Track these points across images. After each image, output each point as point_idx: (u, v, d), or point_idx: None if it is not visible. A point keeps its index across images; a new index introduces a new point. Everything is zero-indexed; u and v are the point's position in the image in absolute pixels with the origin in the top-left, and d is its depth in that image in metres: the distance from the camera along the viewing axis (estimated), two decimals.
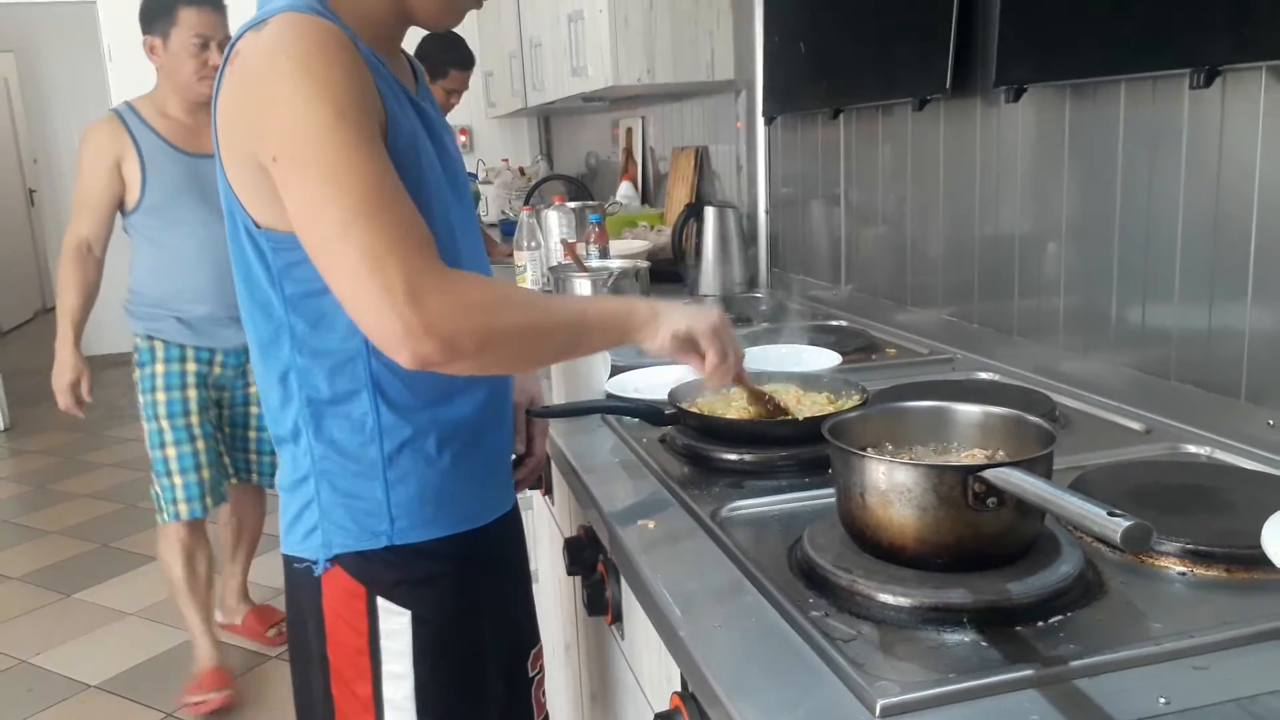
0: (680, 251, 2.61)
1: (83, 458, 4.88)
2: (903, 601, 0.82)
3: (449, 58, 3.37)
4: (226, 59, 0.95)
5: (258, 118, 0.91)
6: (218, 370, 2.57)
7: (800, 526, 0.98)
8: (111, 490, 4.37)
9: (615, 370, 1.63)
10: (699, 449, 1.25)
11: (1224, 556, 0.87)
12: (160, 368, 2.50)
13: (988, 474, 0.79)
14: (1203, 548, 0.88)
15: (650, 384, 1.61)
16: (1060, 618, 0.80)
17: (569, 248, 2.56)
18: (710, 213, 2.53)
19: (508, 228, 3.60)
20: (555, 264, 2.43)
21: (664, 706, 0.95)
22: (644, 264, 2.25)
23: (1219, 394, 1.21)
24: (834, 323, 2.04)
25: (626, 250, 2.77)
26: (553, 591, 1.80)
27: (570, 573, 1.32)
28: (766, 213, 2.56)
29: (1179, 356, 1.27)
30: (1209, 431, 1.21)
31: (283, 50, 0.89)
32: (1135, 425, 1.29)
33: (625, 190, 3.77)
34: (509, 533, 1.21)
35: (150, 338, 2.50)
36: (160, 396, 2.49)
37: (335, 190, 0.87)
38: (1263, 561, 0.70)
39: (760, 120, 2.49)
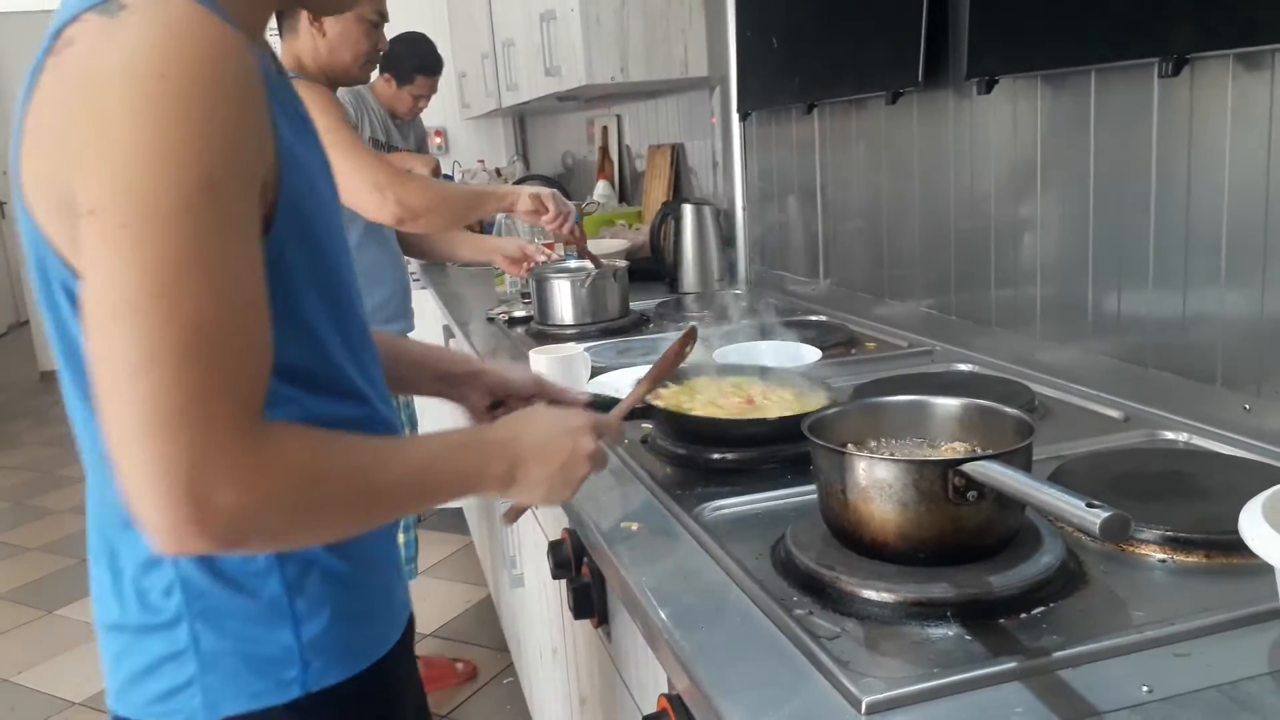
0: (659, 249, 2.60)
1: (60, 472, 4.83)
2: (886, 597, 0.82)
3: (415, 63, 3.36)
4: (49, 47, 0.67)
5: (87, 147, 0.63)
6: None
7: (783, 524, 0.98)
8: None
9: (596, 371, 1.62)
10: (679, 450, 1.25)
11: (1203, 543, 0.88)
12: None
13: (967, 468, 0.79)
14: (1182, 535, 0.89)
15: (629, 384, 1.61)
16: (1042, 609, 0.80)
17: (550, 247, 2.56)
18: (688, 210, 2.52)
19: (485, 230, 3.58)
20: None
21: (652, 709, 0.95)
22: (622, 263, 2.25)
23: (1195, 380, 1.22)
24: (813, 318, 2.04)
25: (604, 250, 2.76)
26: (539, 595, 1.79)
27: (555, 576, 1.31)
28: (744, 209, 2.56)
29: (1155, 344, 1.28)
30: (1186, 418, 1.22)
31: (151, 64, 0.62)
32: (1113, 413, 1.29)
33: (602, 189, 3.77)
34: (408, 648, 0.97)
35: None
36: None
37: (155, 307, 0.62)
38: (1241, 546, 0.70)
39: (735, 116, 2.49)
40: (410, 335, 2.18)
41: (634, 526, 1.06)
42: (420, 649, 2.76)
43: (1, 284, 7.76)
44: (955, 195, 1.65)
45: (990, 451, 0.85)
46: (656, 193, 3.12)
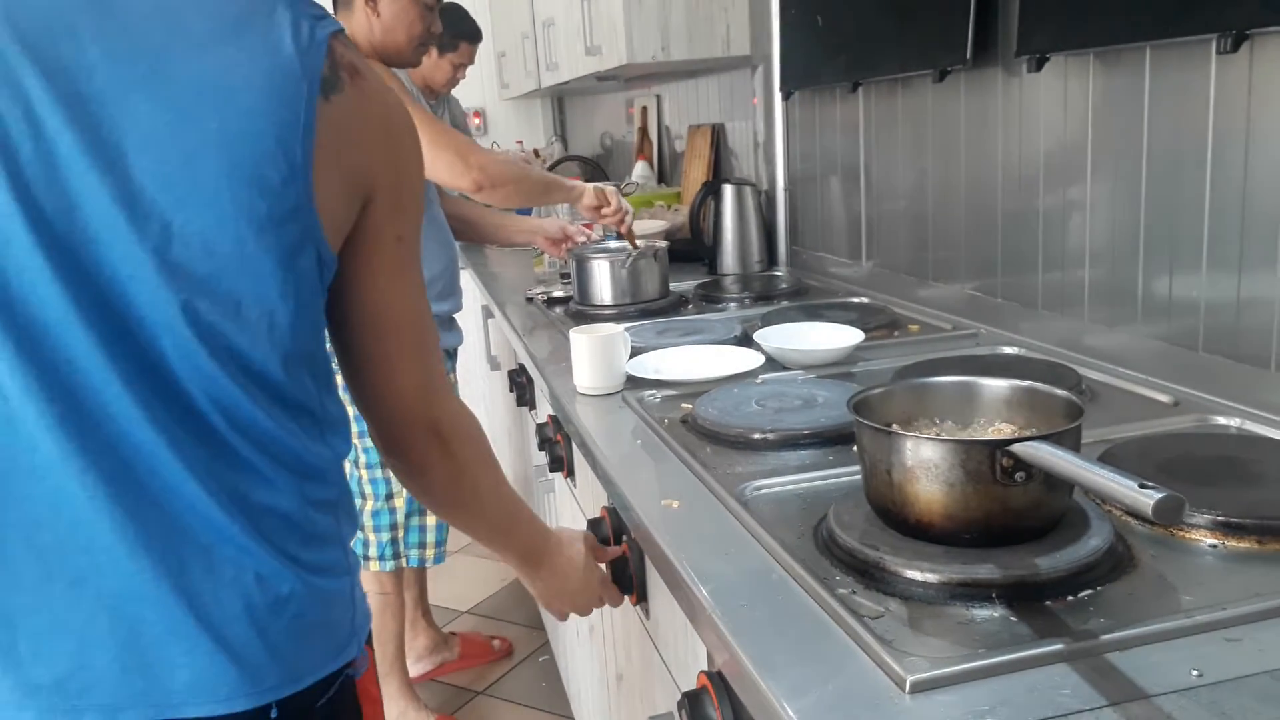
0: (698, 231, 2.59)
1: None
2: (930, 577, 0.81)
3: (457, 29, 3.37)
4: (338, 62, 0.77)
5: (402, 188, 0.84)
6: None
7: (825, 504, 0.97)
8: None
9: (635, 351, 1.62)
10: (720, 429, 1.25)
11: (1255, 528, 0.86)
12: None
13: (1016, 448, 0.78)
14: (1234, 519, 0.87)
15: (669, 364, 1.61)
16: (1090, 592, 0.79)
17: (589, 227, 2.56)
18: (728, 191, 2.51)
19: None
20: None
21: (691, 686, 0.96)
22: (662, 244, 2.24)
23: (1248, 364, 1.20)
24: (855, 300, 2.02)
25: (644, 231, 2.75)
26: None
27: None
28: (785, 190, 2.54)
29: (1207, 327, 1.26)
30: (1238, 403, 1.20)
31: (409, 122, 0.85)
32: (1163, 398, 1.27)
33: (641, 170, 3.76)
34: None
35: None
36: None
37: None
38: None
39: (777, 96, 2.47)
40: (456, 316, 2.19)
41: (674, 504, 1.06)
42: (457, 625, 2.80)
43: None
44: (1003, 176, 1.63)
45: (1039, 432, 0.84)
46: (696, 174, 3.11)
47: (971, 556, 0.82)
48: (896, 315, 1.85)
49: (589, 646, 1.81)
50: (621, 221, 2.19)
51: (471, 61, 3.48)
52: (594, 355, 1.53)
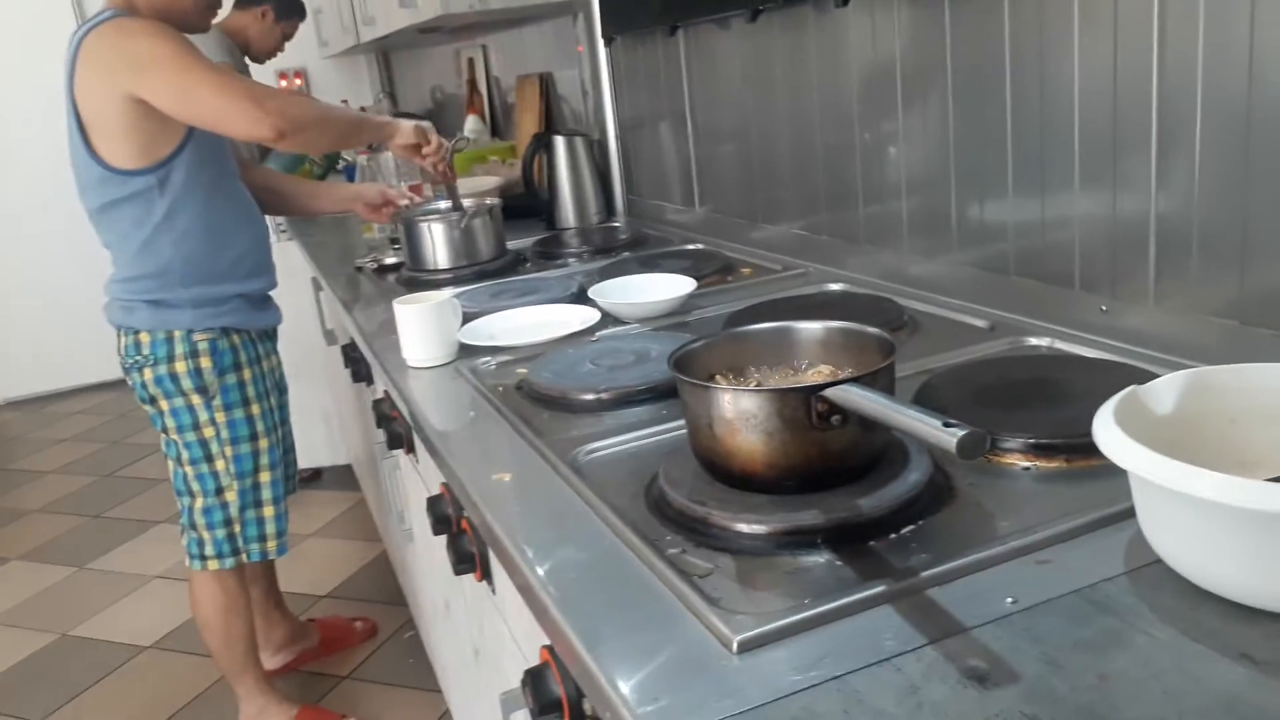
0: (533, 185, 2.53)
1: None
2: (757, 529, 0.80)
3: (295, 4, 3.32)
4: None
5: None
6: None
7: (658, 460, 0.95)
8: None
9: (468, 317, 1.57)
10: (554, 393, 1.21)
11: (1064, 448, 0.89)
12: (248, 372, 1.97)
13: (828, 393, 0.78)
14: (1044, 441, 0.90)
15: (505, 328, 1.56)
16: (912, 527, 0.80)
17: (416, 189, 2.46)
18: (559, 142, 2.46)
19: (348, 173, 3.44)
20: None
21: (536, 660, 0.93)
22: (495, 201, 2.17)
23: (1055, 285, 1.24)
24: (690, 246, 2.01)
25: (477, 188, 2.67)
26: (428, 549, 1.75)
27: (435, 532, 1.27)
28: (616, 138, 2.50)
29: (1017, 251, 1.30)
30: (1048, 322, 1.24)
31: None
32: (980, 323, 1.31)
33: (472, 124, 3.65)
34: None
35: (226, 331, 1.94)
36: (245, 413, 1.97)
37: None
38: (1099, 449, 0.71)
39: (600, 42, 2.41)
40: (272, 293, 2.06)
41: (505, 478, 1.02)
42: (316, 611, 2.71)
43: None
44: (820, 112, 1.63)
45: (853, 373, 0.84)
46: (528, 125, 3.03)
47: (796, 504, 0.81)
48: (730, 259, 1.85)
49: (446, 622, 1.77)
50: (441, 161, 2.02)
51: (294, 35, 3.36)
52: (422, 326, 1.46)
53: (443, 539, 1.31)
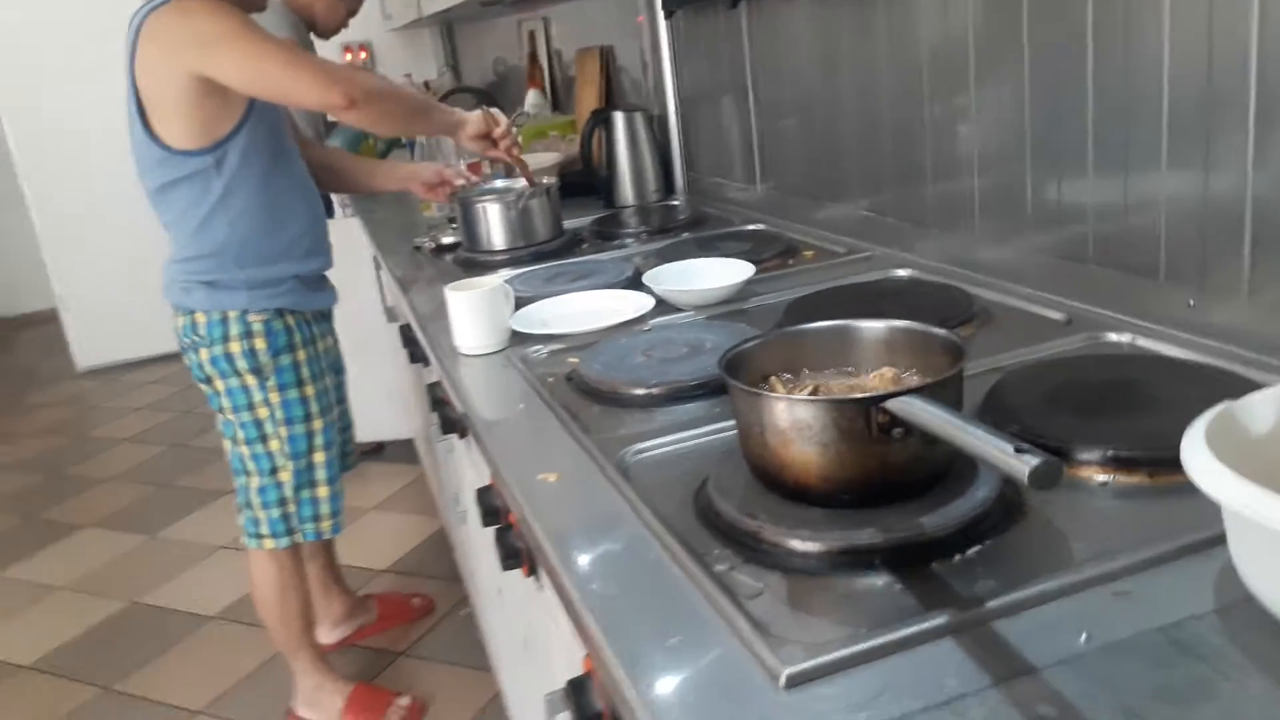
0: (591, 162, 2.48)
1: (2, 426, 4.69)
2: (811, 547, 0.76)
3: None
4: None
5: None
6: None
7: (709, 464, 0.91)
8: (34, 459, 4.22)
9: (521, 302, 1.54)
10: (604, 386, 1.18)
11: (1147, 461, 0.82)
12: (302, 354, 1.96)
13: (890, 404, 0.73)
14: (1124, 453, 0.83)
15: (558, 314, 1.53)
16: (978, 548, 0.75)
17: (474, 168, 2.44)
18: (618, 118, 2.40)
19: (411, 150, 3.42)
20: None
21: (581, 664, 0.90)
22: (552, 180, 2.13)
23: (1138, 275, 1.16)
24: (750, 227, 1.95)
25: (537, 165, 2.63)
26: (480, 535, 1.74)
27: (484, 524, 1.25)
28: (677, 113, 2.44)
29: (1096, 236, 1.22)
30: (1130, 316, 1.16)
31: None
32: (1055, 315, 1.23)
33: (533, 99, 3.60)
34: None
35: (281, 313, 1.93)
36: (300, 393, 1.96)
37: None
38: None
39: (661, 14, 2.35)
40: (328, 274, 2.05)
41: (551, 478, 0.99)
42: (375, 586, 2.73)
43: None
44: (888, 87, 1.56)
45: (916, 380, 0.78)
46: (588, 100, 2.98)
47: (853, 520, 0.77)
48: (792, 241, 1.79)
49: (499, 609, 1.76)
50: (514, 146, 2.00)
51: (359, 9, 3.34)
52: (473, 313, 1.43)
53: (492, 531, 1.29)
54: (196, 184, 1.82)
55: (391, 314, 2.75)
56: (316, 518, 2.01)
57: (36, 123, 5.06)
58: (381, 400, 3.48)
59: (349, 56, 4.99)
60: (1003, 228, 1.37)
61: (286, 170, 1.95)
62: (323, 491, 2.00)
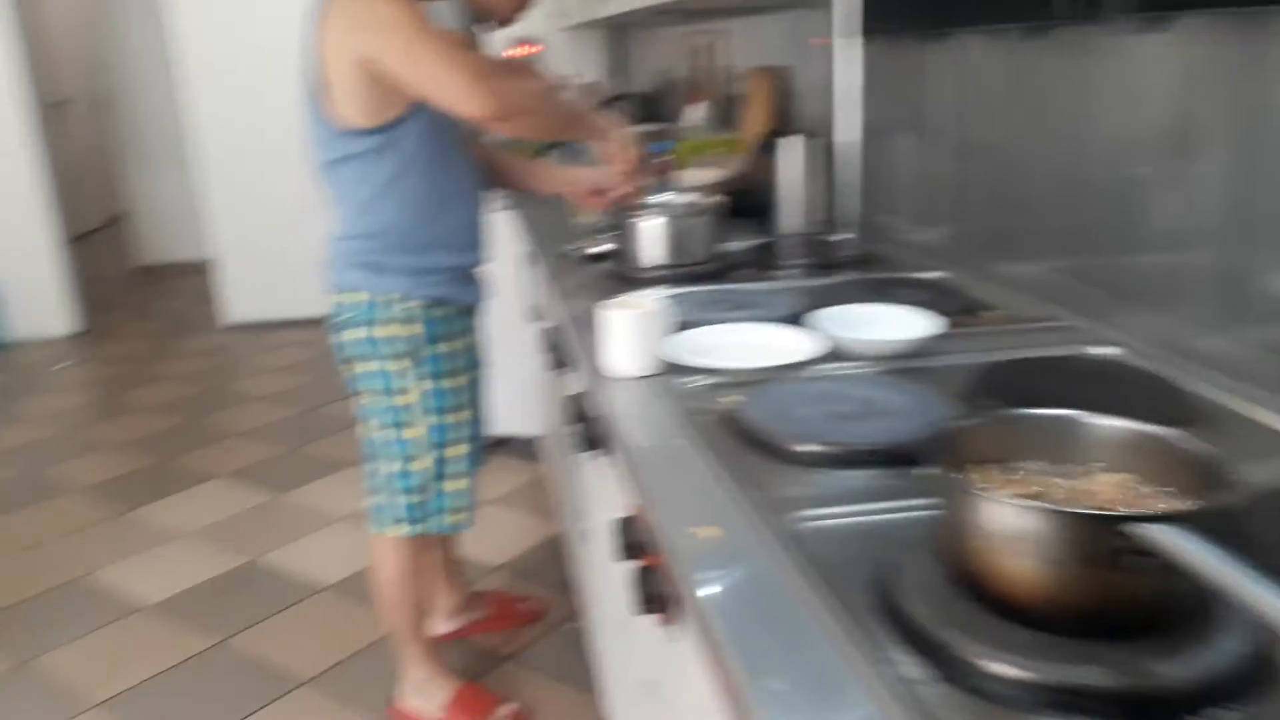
0: (756, 185, 2.40)
1: (150, 368, 4.91)
2: (1021, 676, 0.66)
3: None
4: None
5: None
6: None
7: (892, 547, 0.82)
8: (176, 404, 4.39)
9: (677, 327, 1.47)
10: (766, 435, 1.09)
11: None
12: (452, 345, 1.95)
13: (1140, 530, 0.62)
14: None
15: (714, 345, 1.45)
16: (1224, 713, 0.63)
17: (633, 183, 2.38)
18: (790, 142, 2.31)
19: (569, 150, 3.40)
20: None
21: None
22: (714, 199, 2.06)
23: None
24: (927, 275, 1.83)
25: (697, 182, 2.57)
26: (612, 563, 1.67)
27: (622, 557, 1.18)
28: (856, 144, 2.33)
29: None
30: None
31: None
32: None
33: (697, 113, 3.54)
34: None
35: (435, 302, 1.92)
36: (447, 384, 1.95)
37: None
38: None
39: (848, 40, 2.24)
40: (479, 270, 2.03)
41: (711, 533, 0.91)
42: (485, 582, 2.70)
43: (98, 177, 7.88)
44: (1099, 143, 1.42)
45: (1164, 498, 0.67)
46: (756, 119, 2.90)
47: (1073, 652, 0.66)
48: (974, 298, 1.66)
49: (615, 637, 1.69)
50: (633, 176, 1.98)
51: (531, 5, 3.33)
52: (627, 335, 1.37)
53: (629, 566, 1.22)
54: (365, 164, 1.83)
55: (532, 313, 2.73)
56: (449, 510, 1.99)
57: (209, 79, 5.27)
58: (510, 394, 3.47)
59: (521, 50, 5.04)
60: (1223, 313, 1.23)
61: (455, 160, 1.93)
62: (458, 485, 1.98)
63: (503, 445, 3.58)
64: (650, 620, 1.15)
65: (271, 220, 5.37)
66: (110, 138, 7.01)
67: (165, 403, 4.40)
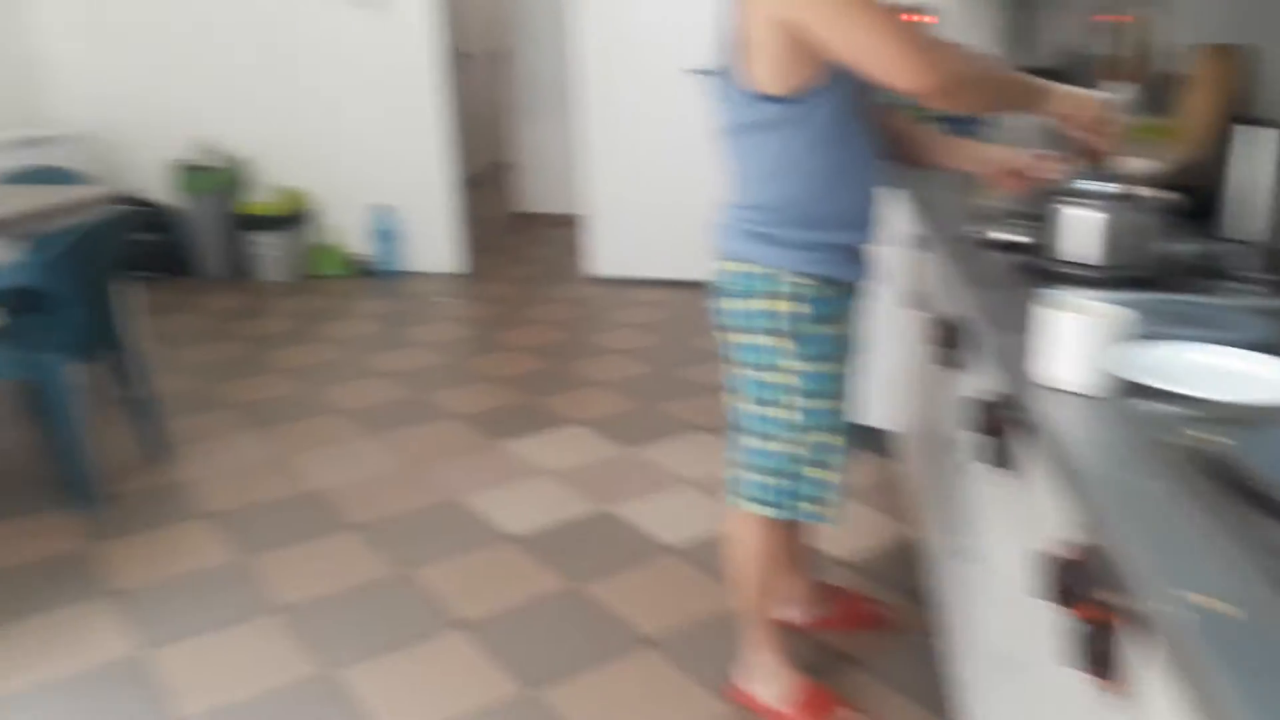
0: (1203, 180, 2.08)
1: (521, 312, 5.28)
2: None
3: None
4: None
5: None
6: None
7: None
8: (542, 348, 4.69)
9: (1140, 339, 1.28)
10: (1272, 486, 0.90)
11: None
12: (839, 328, 1.88)
13: None
14: None
15: (1169, 365, 1.24)
16: None
17: (1048, 161, 2.15)
18: (1255, 134, 1.98)
19: (956, 127, 3.17)
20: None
21: None
22: (1162, 194, 1.80)
23: None
24: None
25: (1126, 172, 2.27)
26: (1005, 587, 1.52)
27: (1054, 601, 1.05)
28: None
29: None
30: None
31: None
32: None
33: (1118, 92, 3.16)
34: None
35: (827, 280, 1.85)
36: (822, 368, 1.87)
37: None
38: None
39: None
40: (862, 247, 1.92)
41: (1220, 608, 0.76)
42: (827, 576, 2.61)
43: (488, 127, 8.55)
44: None
45: None
46: (1203, 106, 2.52)
47: None
48: None
49: (997, 670, 1.54)
50: (1097, 135, 1.78)
51: None
52: (1079, 341, 1.21)
53: (1058, 612, 1.08)
54: (773, 134, 1.77)
55: (912, 298, 2.58)
56: (818, 500, 1.92)
57: (601, 40, 5.48)
58: (875, 384, 3.33)
59: (916, 20, 4.81)
60: None
61: (859, 134, 1.84)
62: (830, 475, 1.91)
63: (857, 436, 3.46)
64: (1083, 677, 1.00)
65: (644, 181, 5.56)
66: (502, 90, 7.57)
67: (533, 345, 4.71)
